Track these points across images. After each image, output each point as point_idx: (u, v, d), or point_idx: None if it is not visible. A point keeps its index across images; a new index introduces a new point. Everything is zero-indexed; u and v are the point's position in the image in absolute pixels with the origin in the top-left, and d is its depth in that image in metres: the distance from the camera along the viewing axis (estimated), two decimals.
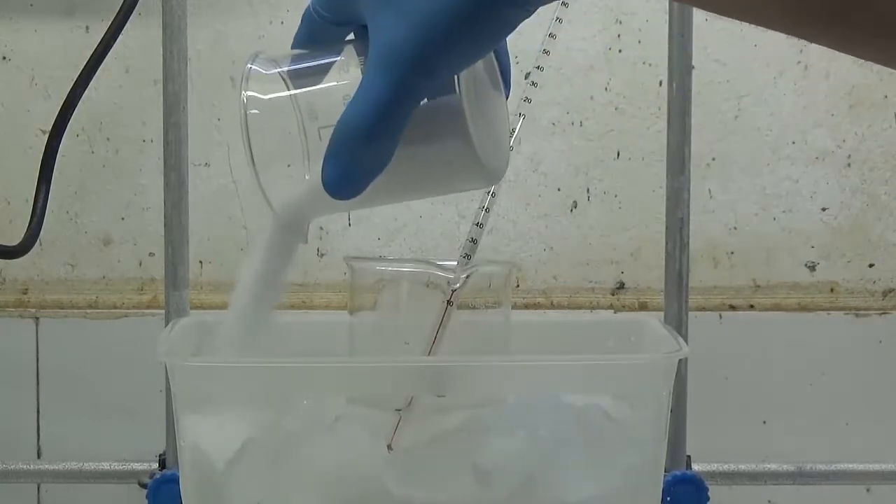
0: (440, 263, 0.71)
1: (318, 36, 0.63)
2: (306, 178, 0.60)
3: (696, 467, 1.02)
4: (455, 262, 0.70)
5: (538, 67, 0.71)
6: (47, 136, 0.98)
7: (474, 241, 0.71)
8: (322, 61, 0.62)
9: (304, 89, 0.61)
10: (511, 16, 0.56)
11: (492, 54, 0.66)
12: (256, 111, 0.61)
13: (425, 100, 0.59)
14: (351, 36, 0.64)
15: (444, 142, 0.61)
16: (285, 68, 0.62)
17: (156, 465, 1.02)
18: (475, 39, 0.57)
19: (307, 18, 0.63)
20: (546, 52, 0.72)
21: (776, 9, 0.51)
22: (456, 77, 0.60)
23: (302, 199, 0.62)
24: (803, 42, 1.25)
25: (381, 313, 0.73)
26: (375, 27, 0.58)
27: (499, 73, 0.66)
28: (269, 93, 0.61)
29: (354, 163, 0.58)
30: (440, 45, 0.56)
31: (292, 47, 0.64)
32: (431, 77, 0.57)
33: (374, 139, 0.58)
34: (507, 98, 0.67)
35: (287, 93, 0.61)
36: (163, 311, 1.04)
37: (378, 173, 0.58)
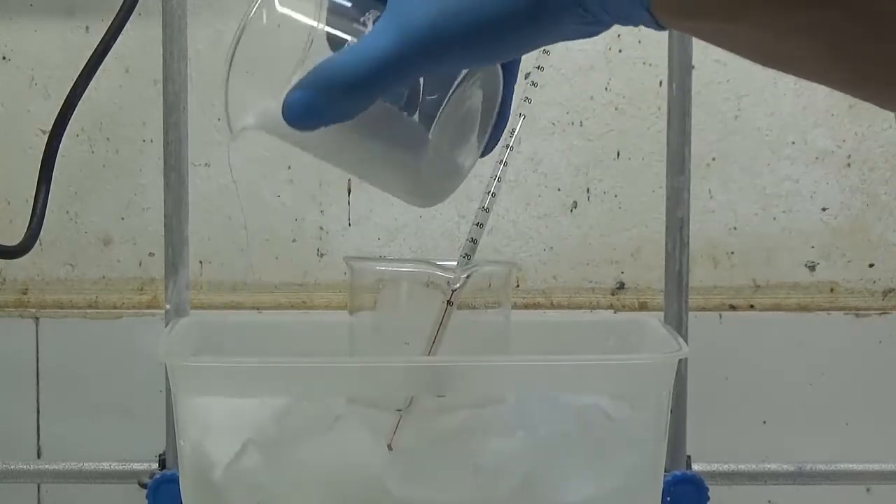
0: (440, 263, 0.71)
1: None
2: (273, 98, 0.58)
3: (696, 467, 1.02)
4: (455, 262, 0.70)
5: (538, 67, 0.71)
6: (47, 136, 0.98)
7: (474, 241, 0.71)
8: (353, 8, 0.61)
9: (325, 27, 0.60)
10: (565, 28, 0.53)
11: (498, 93, 0.65)
12: (265, 15, 0.59)
13: (404, 112, 0.58)
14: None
15: (396, 153, 0.61)
16: None
17: (156, 465, 1.02)
18: (502, 40, 0.55)
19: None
20: (546, 51, 0.72)
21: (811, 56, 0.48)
22: (440, 109, 0.59)
23: (259, 114, 0.61)
24: None
25: (380, 313, 0.73)
26: None
27: (493, 119, 0.64)
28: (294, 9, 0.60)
29: (322, 100, 0.57)
30: (462, 30, 0.54)
31: None
32: (436, 61, 0.56)
33: (351, 88, 0.56)
34: (484, 154, 0.65)
35: (309, 21, 0.59)
36: (163, 311, 1.04)
37: (334, 122, 0.57)
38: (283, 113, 0.58)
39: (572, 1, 0.51)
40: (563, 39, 0.53)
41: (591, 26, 0.52)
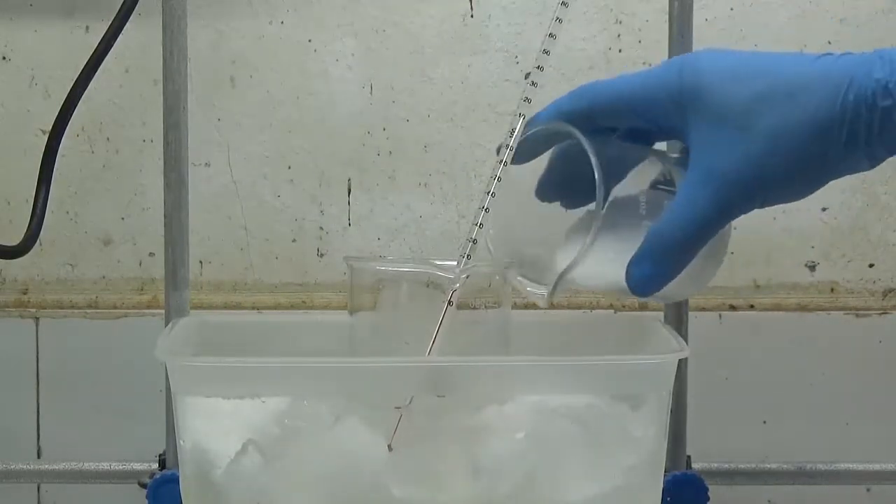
0: (440, 263, 0.71)
1: (603, 113, 0.66)
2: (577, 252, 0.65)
3: (696, 467, 1.02)
4: (455, 262, 0.70)
5: (538, 67, 0.71)
6: (47, 136, 0.98)
7: (475, 241, 0.71)
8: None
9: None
10: (858, 160, 0.62)
11: None
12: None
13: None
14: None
15: (715, 260, 0.69)
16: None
17: (156, 465, 1.02)
18: (807, 179, 0.64)
19: (596, 92, 0.66)
20: (546, 52, 0.72)
21: None
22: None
23: (573, 270, 0.66)
24: (803, 41, 1.24)
25: (380, 313, 0.73)
26: (702, 142, 0.62)
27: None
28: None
29: (664, 268, 0.64)
30: (775, 176, 0.62)
31: (549, 111, 0.68)
32: (756, 205, 0.64)
33: (687, 252, 0.64)
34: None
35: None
36: (163, 311, 1.04)
37: (670, 281, 0.65)
38: (629, 285, 0.65)
39: (865, 150, 0.61)
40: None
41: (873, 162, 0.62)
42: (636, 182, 0.68)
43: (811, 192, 0.65)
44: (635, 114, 0.66)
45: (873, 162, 0.62)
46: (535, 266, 0.70)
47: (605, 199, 0.64)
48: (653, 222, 0.65)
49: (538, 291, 0.69)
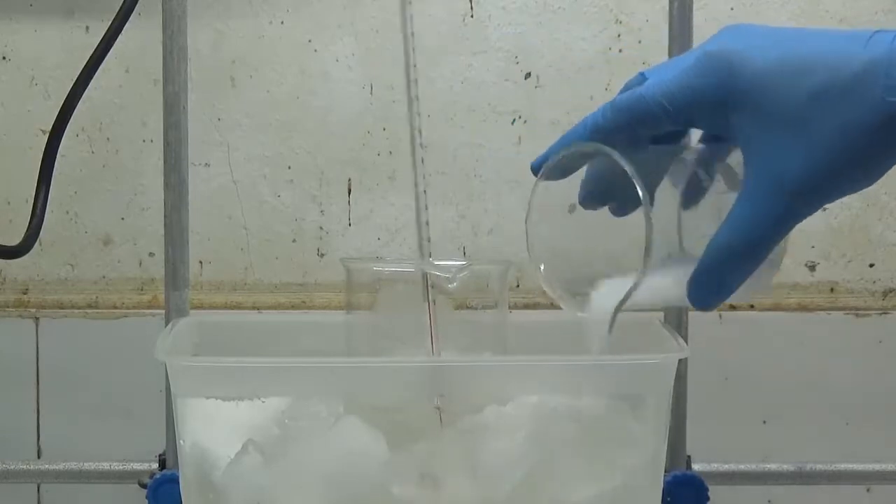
0: (437, 263, 0.71)
1: (644, 125, 0.63)
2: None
3: (696, 467, 1.02)
4: (454, 262, 0.70)
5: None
6: (47, 136, 0.98)
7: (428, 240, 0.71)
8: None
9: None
10: None
11: None
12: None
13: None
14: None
15: (775, 265, 0.65)
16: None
17: (156, 465, 1.02)
18: (877, 169, 0.62)
19: (636, 104, 0.63)
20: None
21: None
22: None
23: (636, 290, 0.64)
24: None
25: (378, 314, 0.73)
26: (758, 146, 0.59)
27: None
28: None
29: (725, 280, 0.61)
30: (847, 174, 0.61)
31: (587, 126, 0.64)
32: (823, 204, 0.61)
33: (750, 262, 0.61)
34: None
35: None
36: (163, 311, 1.04)
37: (734, 292, 0.62)
38: (693, 302, 0.62)
39: None
40: None
41: None
42: (674, 185, 0.66)
43: (877, 180, 0.63)
44: (677, 122, 0.63)
45: None
46: (580, 281, 0.69)
47: (652, 232, 0.62)
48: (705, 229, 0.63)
49: (584, 314, 0.67)
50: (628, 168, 0.61)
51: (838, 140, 0.58)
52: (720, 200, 0.65)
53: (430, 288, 0.69)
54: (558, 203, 0.68)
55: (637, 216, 0.62)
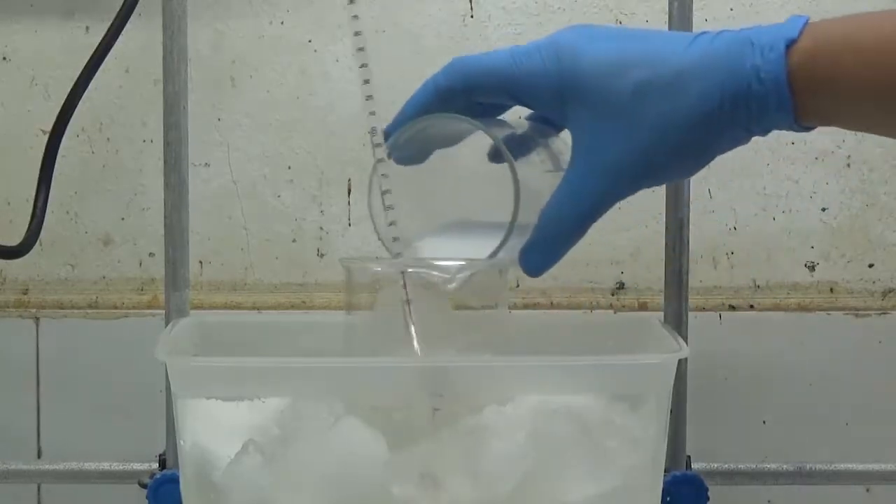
0: (437, 263, 0.71)
1: (481, 91, 0.68)
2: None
3: (696, 467, 1.02)
4: (453, 262, 0.70)
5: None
6: (47, 136, 0.98)
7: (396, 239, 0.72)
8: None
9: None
10: (739, 139, 0.66)
11: None
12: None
13: None
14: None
15: None
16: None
17: (156, 465, 1.02)
18: (694, 161, 0.67)
19: (467, 73, 0.68)
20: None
21: None
22: None
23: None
24: None
25: (377, 314, 0.73)
26: (587, 132, 0.66)
27: None
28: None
29: (555, 252, 0.68)
30: (662, 163, 0.66)
31: (427, 88, 0.70)
32: (639, 188, 0.67)
33: (577, 236, 0.68)
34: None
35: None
36: (163, 311, 1.04)
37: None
38: (525, 270, 0.69)
39: (745, 130, 0.65)
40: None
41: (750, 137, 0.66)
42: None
43: (696, 172, 0.68)
44: (513, 96, 0.68)
45: (750, 137, 0.66)
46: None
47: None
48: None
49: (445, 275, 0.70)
50: (493, 138, 0.67)
51: (662, 132, 0.64)
52: (544, 178, 0.70)
53: (408, 287, 0.69)
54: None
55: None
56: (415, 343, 0.69)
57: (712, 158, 0.67)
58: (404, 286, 0.69)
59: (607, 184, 0.66)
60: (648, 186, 0.67)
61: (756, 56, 0.63)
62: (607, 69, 0.64)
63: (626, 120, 0.64)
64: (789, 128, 0.65)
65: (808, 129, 0.65)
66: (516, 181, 0.66)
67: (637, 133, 0.64)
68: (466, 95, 0.68)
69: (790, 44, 0.62)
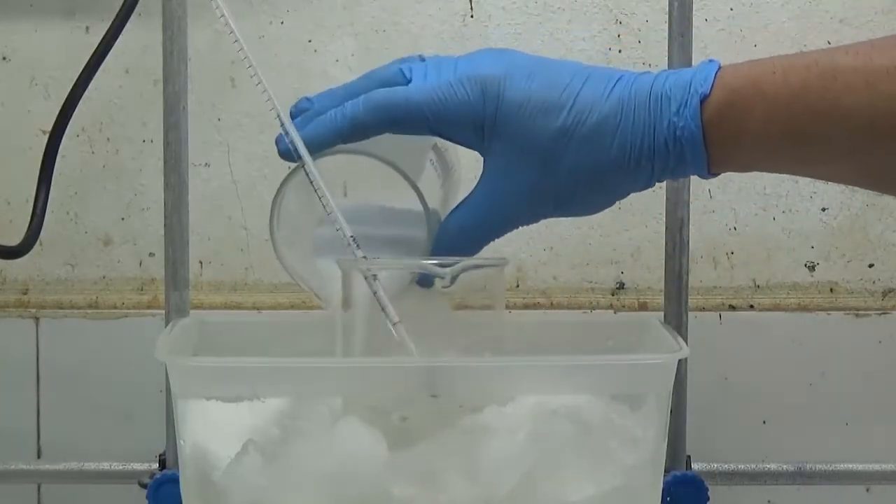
0: (433, 262, 0.71)
1: (400, 127, 0.70)
2: None
3: (695, 467, 1.02)
4: (450, 262, 0.70)
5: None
6: (47, 136, 0.98)
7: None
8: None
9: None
10: (650, 184, 0.70)
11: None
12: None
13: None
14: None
15: None
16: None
17: (156, 465, 1.02)
18: (602, 201, 0.69)
19: (401, 106, 0.70)
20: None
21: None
22: None
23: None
24: (802, 41, 1.25)
25: (374, 313, 0.73)
26: (499, 165, 0.69)
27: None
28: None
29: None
30: (571, 200, 0.68)
31: (343, 121, 0.72)
32: (542, 218, 0.70)
33: (480, 245, 0.71)
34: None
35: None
36: (163, 311, 1.04)
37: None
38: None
39: (657, 179, 0.69)
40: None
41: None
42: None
43: (601, 210, 0.71)
44: (433, 131, 0.70)
45: (661, 181, 0.70)
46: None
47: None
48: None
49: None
50: (409, 181, 0.70)
51: (576, 178, 0.67)
52: (437, 181, 0.74)
53: (375, 282, 0.70)
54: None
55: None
56: (407, 342, 0.69)
57: (620, 199, 0.70)
58: (372, 283, 0.70)
59: (513, 210, 0.69)
60: (552, 217, 0.70)
61: (672, 113, 0.66)
62: (531, 111, 0.67)
63: (544, 159, 0.67)
64: (702, 177, 0.68)
65: (716, 175, 0.68)
66: (428, 213, 0.70)
67: (553, 172, 0.67)
68: (385, 130, 0.70)
69: (704, 98, 0.65)
